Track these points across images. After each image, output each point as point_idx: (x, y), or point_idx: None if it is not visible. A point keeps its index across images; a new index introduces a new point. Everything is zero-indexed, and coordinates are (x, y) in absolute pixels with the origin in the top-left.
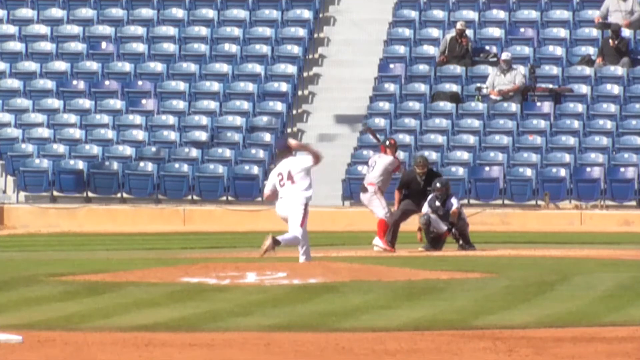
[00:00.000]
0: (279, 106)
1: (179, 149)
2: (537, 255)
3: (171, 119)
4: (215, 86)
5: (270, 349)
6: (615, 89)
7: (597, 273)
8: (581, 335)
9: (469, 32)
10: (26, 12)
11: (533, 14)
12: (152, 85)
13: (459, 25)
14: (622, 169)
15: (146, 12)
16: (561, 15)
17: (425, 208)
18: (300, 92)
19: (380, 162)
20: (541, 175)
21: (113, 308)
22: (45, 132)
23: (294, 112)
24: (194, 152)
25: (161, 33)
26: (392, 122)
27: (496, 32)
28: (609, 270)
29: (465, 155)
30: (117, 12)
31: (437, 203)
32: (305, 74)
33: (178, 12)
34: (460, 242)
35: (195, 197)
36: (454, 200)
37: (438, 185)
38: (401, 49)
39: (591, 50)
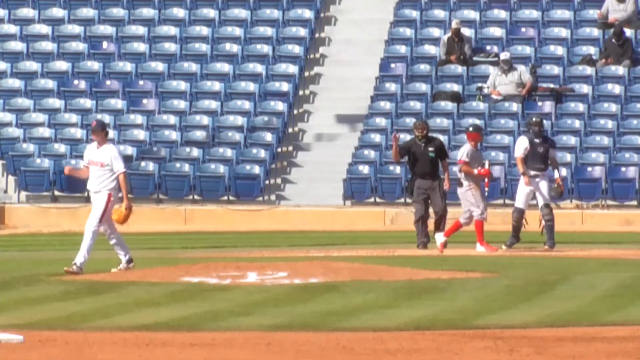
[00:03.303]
0: (280, 106)
1: (180, 149)
2: (537, 255)
3: (172, 119)
4: (216, 86)
5: (271, 348)
6: (617, 89)
7: (597, 273)
8: (582, 335)
9: (470, 32)
10: (27, 12)
11: (534, 14)
12: (153, 85)
13: (454, 25)
14: (623, 169)
15: (147, 12)
16: (562, 15)
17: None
18: (301, 92)
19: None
20: None
21: (114, 308)
22: (46, 132)
23: (295, 111)
24: (195, 152)
25: (162, 33)
26: (393, 122)
27: (497, 31)
28: (609, 270)
29: None
30: (118, 11)
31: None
32: (306, 74)
33: (179, 12)
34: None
35: (196, 197)
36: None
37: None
38: (402, 49)
39: (592, 50)
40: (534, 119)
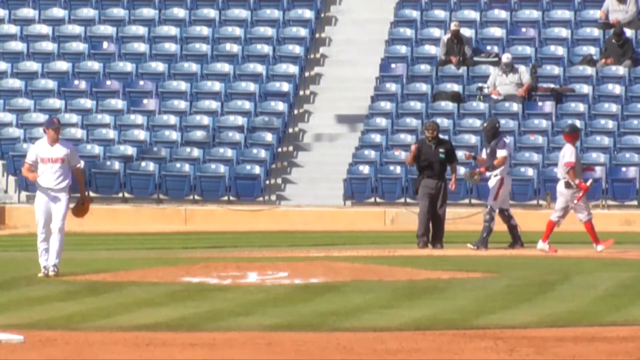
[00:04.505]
0: (280, 106)
1: (180, 149)
2: (538, 254)
3: (172, 119)
4: (217, 86)
5: (272, 348)
6: (617, 89)
7: (598, 272)
8: (582, 335)
9: (471, 32)
10: (27, 12)
11: (534, 14)
12: (154, 85)
13: (453, 26)
14: (623, 169)
15: (147, 12)
16: (562, 15)
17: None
18: (301, 92)
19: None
20: (542, 175)
21: (114, 308)
22: None
23: (295, 112)
24: (195, 152)
25: (162, 33)
26: (393, 122)
27: (497, 32)
28: (610, 270)
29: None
30: (118, 11)
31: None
32: (306, 74)
33: (179, 12)
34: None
35: (196, 197)
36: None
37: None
38: (402, 49)
39: (592, 50)
40: (484, 124)
